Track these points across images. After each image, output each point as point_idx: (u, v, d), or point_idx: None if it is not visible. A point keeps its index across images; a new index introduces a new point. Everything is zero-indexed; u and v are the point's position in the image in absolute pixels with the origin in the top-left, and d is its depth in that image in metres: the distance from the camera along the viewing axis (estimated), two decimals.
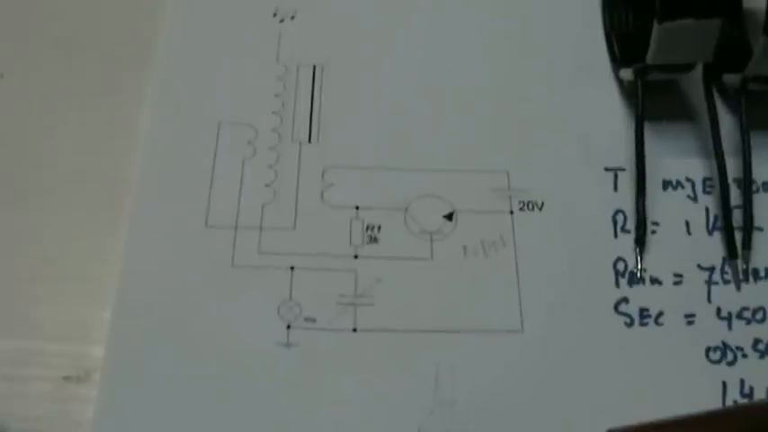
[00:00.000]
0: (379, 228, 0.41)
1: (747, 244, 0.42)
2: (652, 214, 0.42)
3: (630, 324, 0.40)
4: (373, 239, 0.41)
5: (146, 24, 0.47)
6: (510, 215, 0.42)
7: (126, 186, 0.42)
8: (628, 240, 0.42)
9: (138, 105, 0.44)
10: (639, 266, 0.41)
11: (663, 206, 0.43)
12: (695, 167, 0.44)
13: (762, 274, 0.41)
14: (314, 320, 0.39)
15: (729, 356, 0.39)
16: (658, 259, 0.41)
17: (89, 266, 0.40)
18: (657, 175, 0.43)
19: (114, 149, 0.43)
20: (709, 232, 0.42)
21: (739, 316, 0.40)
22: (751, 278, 0.41)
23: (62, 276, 0.40)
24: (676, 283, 0.41)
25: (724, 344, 0.40)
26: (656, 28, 0.41)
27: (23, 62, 0.46)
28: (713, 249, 0.42)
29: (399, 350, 0.39)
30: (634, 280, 0.41)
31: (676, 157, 0.44)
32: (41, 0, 0.48)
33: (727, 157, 0.42)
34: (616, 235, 0.42)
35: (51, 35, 0.47)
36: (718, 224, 0.42)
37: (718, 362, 0.39)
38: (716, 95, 0.44)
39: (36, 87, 0.45)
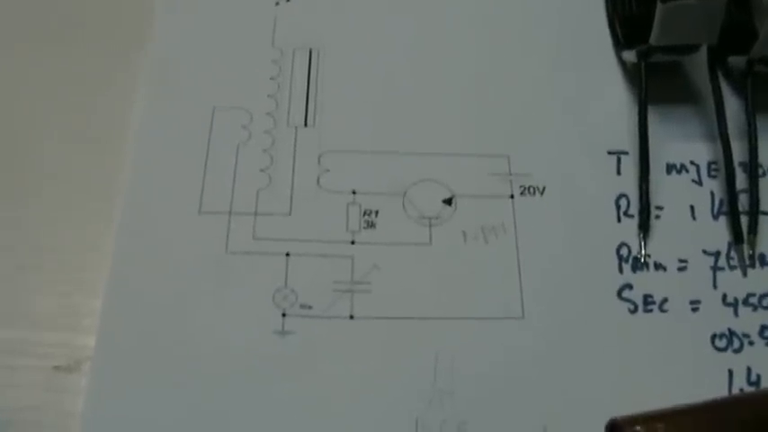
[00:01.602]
0: (377, 213, 0.41)
1: (753, 229, 0.41)
2: (656, 199, 0.42)
3: (634, 311, 0.39)
4: (371, 225, 0.40)
5: (139, 8, 0.46)
6: (511, 200, 0.41)
7: (119, 174, 0.41)
8: (631, 225, 0.41)
9: (132, 91, 0.43)
10: (643, 252, 0.40)
11: (667, 190, 0.42)
12: (700, 151, 0.43)
13: None
14: (310, 308, 0.38)
15: (736, 344, 0.39)
16: (662, 244, 0.41)
17: (81, 255, 0.40)
18: (661, 158, 0.43)
19: (108, 136, 0.43)
20: (715, 217, 0.41)
21: (745, 302, 0.40)
22: (757, 263, 0.40)
23: (53, 265, 0.40)
24: (681, 269, 0.40)
25: (730, 331, 0.39)
26: (659, 8, 0.40)
27: (14, 48, 0.45)
28: (718, 234, 0.41)
29: (397, 338, 0.38)
30: (638, 266, 0.40)
31: (681, 141, 0.43)
32: None
33: (732, 140, 0.42)
34: (619, 220, 0.41)
35: (43, 21, 0.46)
36: (724, 208, 0.42)
37: (724, 349, 0.39)
38: (721, 78, 0.43)
39: (28, 75, 0.44)
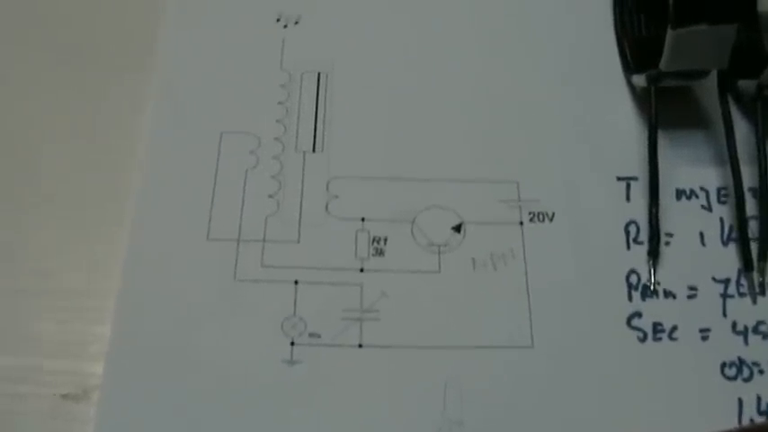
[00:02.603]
0: (386, 240, 0.40)
1: (764, 255, 0.40)
2: (665, 225, 0.41)
3: (644, 339, 0.39)
4: (379, 252, 0.40)
5: (145, 31, 0.46)
6: (520, 226, 0.41)
7: (126, 198, 0.41)
8: (641, 252, 0.41)
9: (139, 114, 0.43)
10: (653, 279, 0.40)
11: (676, 216, 0.42)
12: (710, 176, 0.43)
13: None
14: (318, 336, 0.38)
15: (746, 372, 0.38)
16: (672, 272, 0.40)
17: (88, 280, 0.40)
18: (671, 184, 0.42)
19: (114, 160, 0.42)
20: (724, 243, 0.41)
21: (756, 330, 0.39)
22: (767, 291, 0.40)
23: (61, 290, 0.39)
24: (690, 297, 0.40)
25: (740, 359, 0.39)
26: (669, 34, 0.40)
27: (22, 69, 0.45)
28: (728, 261, 0.41)
29: (406, 367, 0.38)
30: (647, 293, 0.40)
31: (690, 166, 0.43)
32: (39, 5, 0.47)
33: (742, 165, 0.41)
34: (629, 246, 0.41)
35: (49, 41, 0.46)
36: (734, 235, 0.41)
37: (734, 378, 0.38)
38: (731, 102, 0.43)
39: (33, 95, 0.44)
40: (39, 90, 0.44)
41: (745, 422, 0.37)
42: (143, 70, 0.45)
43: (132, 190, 0.41)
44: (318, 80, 0.45)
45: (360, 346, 0.38)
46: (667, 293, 0.40)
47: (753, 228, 0.41)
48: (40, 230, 0.41)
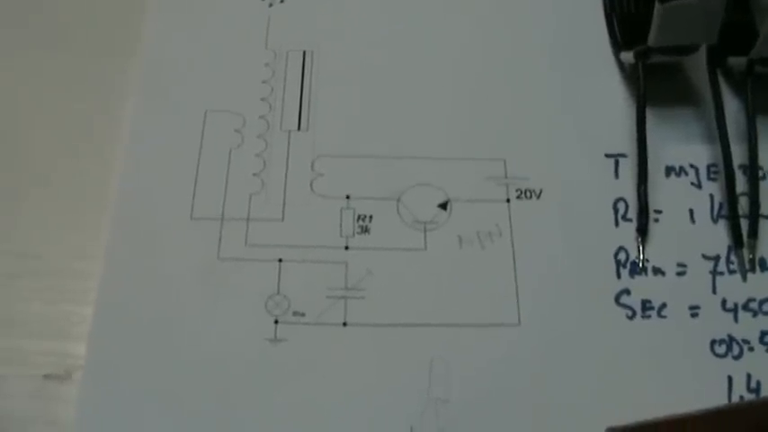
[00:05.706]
0: (371, 218, 0.40)
1: (753, 232, 0.40)
2: (654, 202, 0.41)
3: (632, 317, 0.39)
4: (365, 230, 0.40)
5: (131, 10, 0.45)
6: (507, 204, 0.41)
7: (111, 178, 0.41)
8: (629, 229, 0.40)
9: (123, 94, 0.43)
10: (641, 256, 0.40)
11: (666, 194, 0.41)
12: (699, 153, 0.42)
13: None
14: (303, 315, 0.38)
15: (735, 350, 0.38)
16: (661, 249, 0.40)
17: (72, 261, 0.39)
18: (660, 161, 0.42)
19: (98, 140, 0.42)
20: (714, 220, 0.41)
21: (745, 307, 0.39)
22: (757, 268, 0.40)
23: (44, 271, 0.39)
24: (680, 274, 0.40)
25: (730, 337, 0.38)
26: (657, 8, 0.39)
27: (7, 54, 0.45)
28: (718, 238, 0.40)
29: (391, 345, 0.37)
30: (636, 270, 0.40)
31: (679, 143, 0.43)
32: None
33: (732, 142, 0.41)
34: (617, 224, 0.41)
35: (34, 23, 0.46)
36: (723, 212, 0.41)
37: (724, 355, 0.38)
38: (720, 79, 0.43)
39: (17, 77, 0.44)
40: (23, 75, 0.44)
41: (735, 400, 0.37)
42: (128, 51, 0.44)
43: (117, 170, 0.41)
44: (303, 58, 0.44)
45: (344, 324, 0.38)
46: (656, 271, 0.40)
47: (743, 205, 0.41)
48: (23, 212, 0.40)
